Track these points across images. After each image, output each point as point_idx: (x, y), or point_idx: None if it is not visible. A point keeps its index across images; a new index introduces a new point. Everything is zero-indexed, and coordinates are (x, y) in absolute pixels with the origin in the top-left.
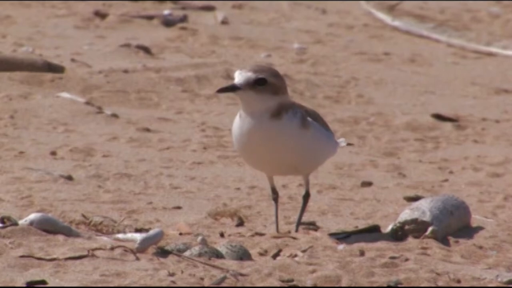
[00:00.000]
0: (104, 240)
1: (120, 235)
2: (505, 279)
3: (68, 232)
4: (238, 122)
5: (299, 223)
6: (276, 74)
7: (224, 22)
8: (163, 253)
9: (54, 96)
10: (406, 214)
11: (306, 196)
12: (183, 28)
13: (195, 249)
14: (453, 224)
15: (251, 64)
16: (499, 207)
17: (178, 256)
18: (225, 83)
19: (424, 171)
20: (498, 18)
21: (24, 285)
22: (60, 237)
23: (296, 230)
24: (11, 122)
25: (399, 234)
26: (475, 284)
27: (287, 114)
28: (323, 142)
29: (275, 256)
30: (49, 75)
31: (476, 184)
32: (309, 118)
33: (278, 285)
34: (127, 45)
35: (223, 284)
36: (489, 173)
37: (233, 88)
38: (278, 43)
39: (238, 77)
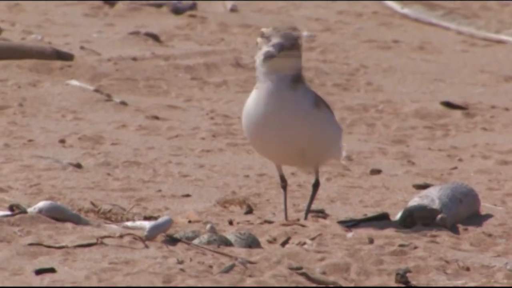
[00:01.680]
0: (113, 228)
1: (129, 223)
2: None
3: (77, 220)
4: (253, 97)
5: (308, 211)
6: (299, 35)
7: (233, 10)
8: (172, 241)
9: (63, 84)
10: (415, 202)
11: (316, 185)
12: (192, 16)
13: (204, 237)
14: (462, 212)
15: (279, 26)
16: (508, 194)
17: (187, 244)
18: (234, 71)
19: (433, 158)
20: (507, 5)
21: (33, 273)
22: (69, 225)
23: (305, 218)
24: (20, 110)
25: (408, 222)
26: (484, 271)
27: (303, 86)
28: (332, 125)
29: (284, 244)
30: (58, 63)
31: (485, 171)
32: (321, 103)
33: (287, 273)
34: (136, 33)
35: (232, 272)
36: (498, 160)
37: (281, 48)
38: None
39: (279, 36)
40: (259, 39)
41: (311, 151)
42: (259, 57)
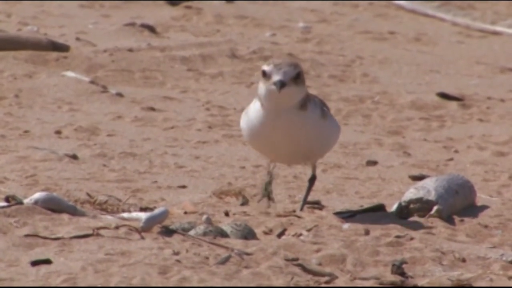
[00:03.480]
0: (109, 219)
1: (125, 214)
2: (510, 258)
3: (73, 211)
4: (259, 114)
5: (304, 204)
6: (300, 70)
7: (229, 0)
8: (168, 232)
9: (59, 75)
10: (411, 193)
11: (313, 179)
12: (188, 7)
13: (200, 228)
14: (458, 203)
15: (281, 59)
16: (504, 186)
17: (183, 235)
18: (230, 63)
19: (429, 150)
20: None
21: (29, 264)
22: (65, 216)
23: (301, 209)
24: (16, 101)
25: (404, 213)
26: (480, 263)
27: (310, 104)
28: (336, 130)
29: (280, 235)
30: (53, 54)
31: (481, 163)
32: (324, 108)
33: (283, 264)
34: (132, 24)
35: (228, 263)
36: (494, 152)
37: (283, 85)
38: (283, 22)
39: (280, 73)
40: (270, 68)
41: (318, 155)
42: (261, 92)
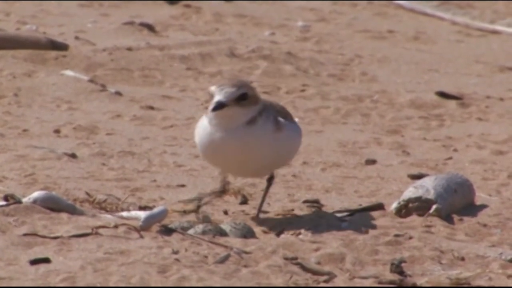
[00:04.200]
0: (108, 218)
1: (124, 213)
2: (509, 257)
3: (72, 210)
4: (207, 131)
5: (261, 207)
6: (252, 87)
7: None
8: (167, 231)
9: (58, 74)
10: (410, 192)
11: (271, 179)
12: (187, 6)
13: (199, 227)
14: (457, 202)
15: (227, 80)
16: (503, 185)
17: (182, 234)
18: (229, 61)
19: (428, 149)
20: None
21: (28, 263)
22: (64, 215)
23: (257, 215)
24: (15, 100)
25: (403, 212)
26: (479, 261)
27: (261, 118)
28: (294, 141)
29: (279, 234)
30: (53, 53)
31: (480, 162)
32: (280, 119)
33: (282, 263)
34: (131, 23)
35: (227, 262)
36: (493, 151)
37: (221, 105)
38: (282, 21)
39: (221, 94)
40: (215, 89)
41: (273, 168)
42: (208, 111)
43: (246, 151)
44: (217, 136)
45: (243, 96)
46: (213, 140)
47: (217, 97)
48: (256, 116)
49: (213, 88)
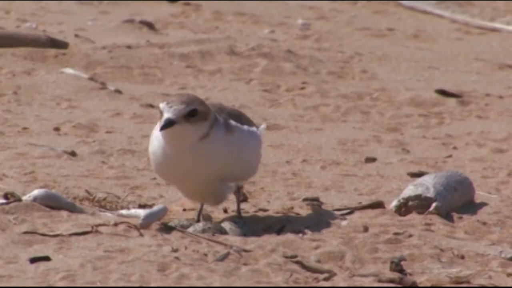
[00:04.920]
0: (108, 216)
1: (123, 211)
2: (508, 255)
3: (71, 208)
4: (162, 148)
5: (239, 212)
6: (202, 101)
7: None
8: (167, 229)
9: (57, 72)
10: (410, 190)
11: (238, 189)
12: (187, 4)
13: (199, 225)
14: (457, 200)
15: (176, 96)
16: (503, 183)
17: (181, 232)
18: (229, 59)
19: (428, 146)
20: None
21: (28, 261)
22: (64, 213)
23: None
24: (15, 98)
25: (402, 210)
26: (478, 260)
27: (213, 130)
28: (250, 144)
29: (278, 232)
30: (52, 51)
31: (480, 160)
32: (232, 122)
33: (282, 261)
34: (131, 21)
35: (227, 260)
36: (492, 149)
37: (170, 123)
38: (282, 19)
39: (170, 111)
40: (163, 106)
41: (231, 177)
42: (157, 128)
43: (200, 168)
44: (170, 153)
45: (193, 113)
46: (166, 156)
47: (166, 115)
48: (208, 131)
49: (162, 105)
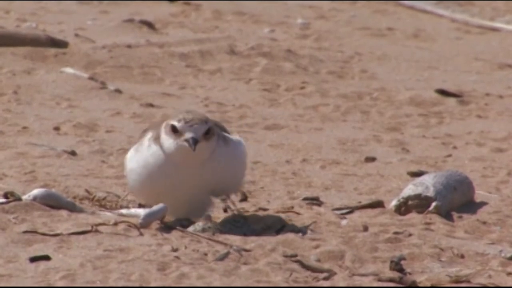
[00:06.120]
0: (108, 215)
1: (123, 211)
2: (508, 255)
3: (71, 208)
4: (160, 165)
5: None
6: (210, 126)
7: None
8: (167, 228)
9: (57, 72)
10: (410, 189)
11: (226, 209)
12: (187, 3)
13: (199, 225)
14: (457, 200)
15: (190, 114)
16: (503, 182)
17: (181, 232)
18: (229, 59)
19: (428, 146)
20: None
21: (28, 261)
22: (64, 213)
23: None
24: (15, 98)
25: (402, 210)
26: (478, 259)
27: (217, 144)
28: (243, 155)
29: (278, 231)
30: (52, 50)
31: (480, 159)
32: (225, 134)
33: (282, 261)
34: (131, 20)
35: (227, 260)
36: (492, 148)
37: (196, 142)
38: (282, 19)
39: (192, 130)
40: (182, 126)
41: (224, 186)
42: (170, 147)
43: (206, 182)
44: (174, 170)
45: (209, 130)
46: (167, 174)
47: (189, 134)
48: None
49: (179, 125)
